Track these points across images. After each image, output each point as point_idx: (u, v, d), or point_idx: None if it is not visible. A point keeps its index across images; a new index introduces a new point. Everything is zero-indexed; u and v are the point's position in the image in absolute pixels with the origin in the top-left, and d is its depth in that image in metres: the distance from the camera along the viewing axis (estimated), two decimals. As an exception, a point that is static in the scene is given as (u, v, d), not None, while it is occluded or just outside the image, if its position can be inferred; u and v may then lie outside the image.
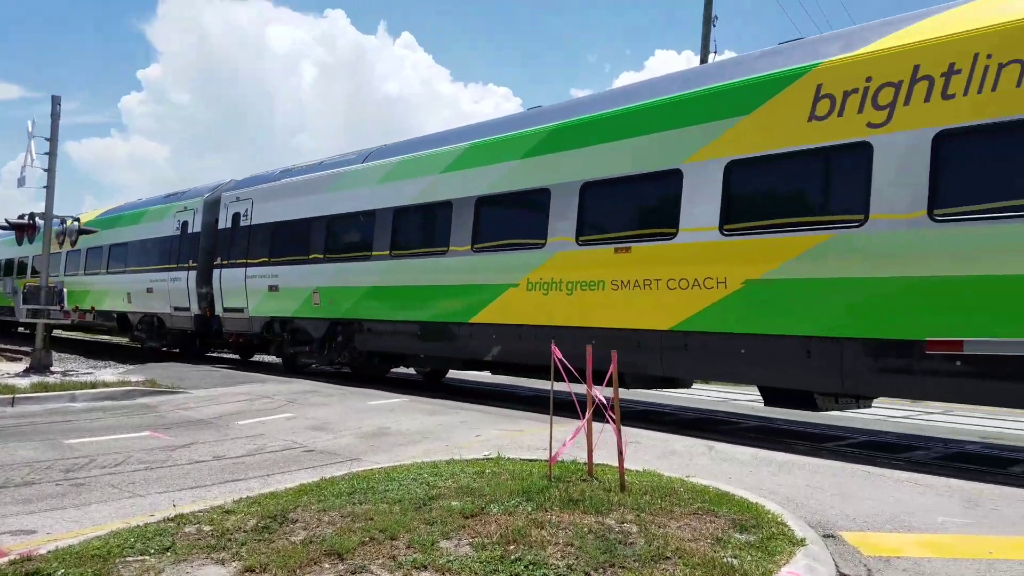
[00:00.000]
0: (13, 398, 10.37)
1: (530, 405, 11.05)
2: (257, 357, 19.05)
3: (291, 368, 15.57)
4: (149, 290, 19.08)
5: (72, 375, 14.00)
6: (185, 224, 18.10)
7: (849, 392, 7.80)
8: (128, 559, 3.80)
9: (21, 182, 15.82)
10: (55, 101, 15.57)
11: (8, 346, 22.55)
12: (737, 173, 8.16)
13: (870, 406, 9.11)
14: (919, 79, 6.94)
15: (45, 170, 15.58)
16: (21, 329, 29.69)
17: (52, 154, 15.53)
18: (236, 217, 16.37)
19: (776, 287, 7.73)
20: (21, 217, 16.67)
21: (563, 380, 5.39)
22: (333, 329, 13.74)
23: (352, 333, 13.28)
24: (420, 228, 12.08)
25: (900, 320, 6.95)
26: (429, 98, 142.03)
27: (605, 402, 5.18)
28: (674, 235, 8.61)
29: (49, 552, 3.91)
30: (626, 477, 5.19)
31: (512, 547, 3.90)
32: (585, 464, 5.58)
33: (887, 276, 7.00)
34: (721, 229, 8.21)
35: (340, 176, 13.89)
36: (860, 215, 7.21)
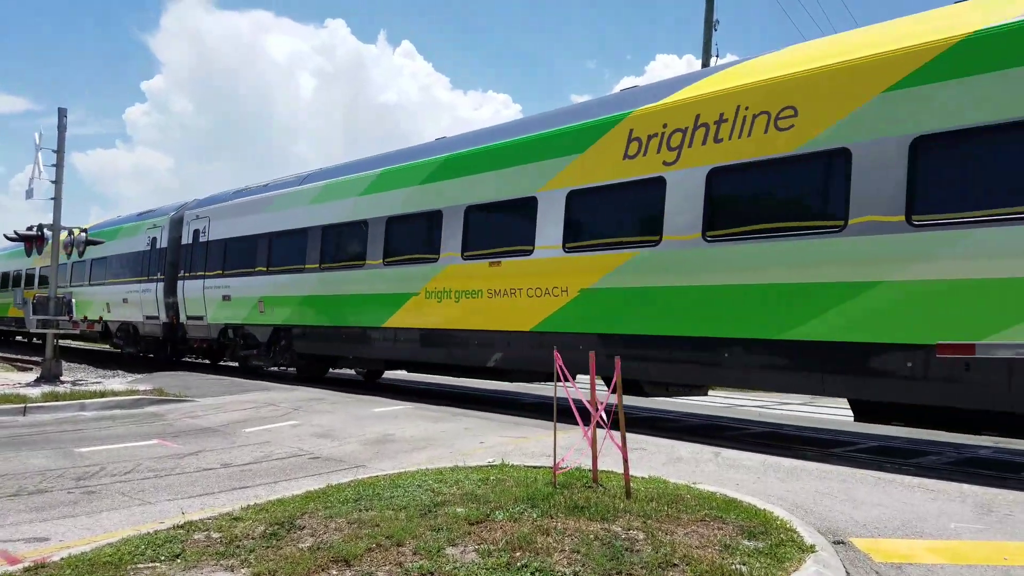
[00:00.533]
0: (25, 407, 10.42)
1: (534, 412, 11.06)
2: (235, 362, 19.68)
3: (245, 370, 17.10)
4: (125, 300, 20.59)
5: (81, 384, 14.07)
6: (154, 240, 19.71)
7: (658, 380, 9.61)
8: (139, 566, 3.83)
9: (29, 194, 15.90)
10: (61, 113, 15.68)
11: (18, 356, 22.67)
12: (574, 201, 9.81)
13: (705, 394, 10.57)
14: (699, 126, 8.58)
15: (52, 182, 15.68)
16: (19, 338, 31.61)
17: (59, 166, 15.63)
18: (196, 233, 17.92)
19: (602, 294, 9.37)
20: (30, 229, 16.79)
21: (564, 387, 5.40)
22: (276, 334, 15.27)
23: (292, 337, 14.85)
24: (343, 244, 13.56)
25: (689, 320, 8.55)
26: (428, 105, 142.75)
27: (605, 418, 5.19)
28: (532, 252, 10.25)
29: (62, 559, 3.95)
30: (632, 484, 5.18)
31: (518, 554, 3.90)
32: (590, 471, 5.58)
33: (677, 285, 8.64)
34: (564, 247, 9.86)
35: (280, 197, 15.48)
36: (657, 236, 8.84)
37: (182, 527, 4.52)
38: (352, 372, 17.14)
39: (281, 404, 11.21)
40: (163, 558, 3.95)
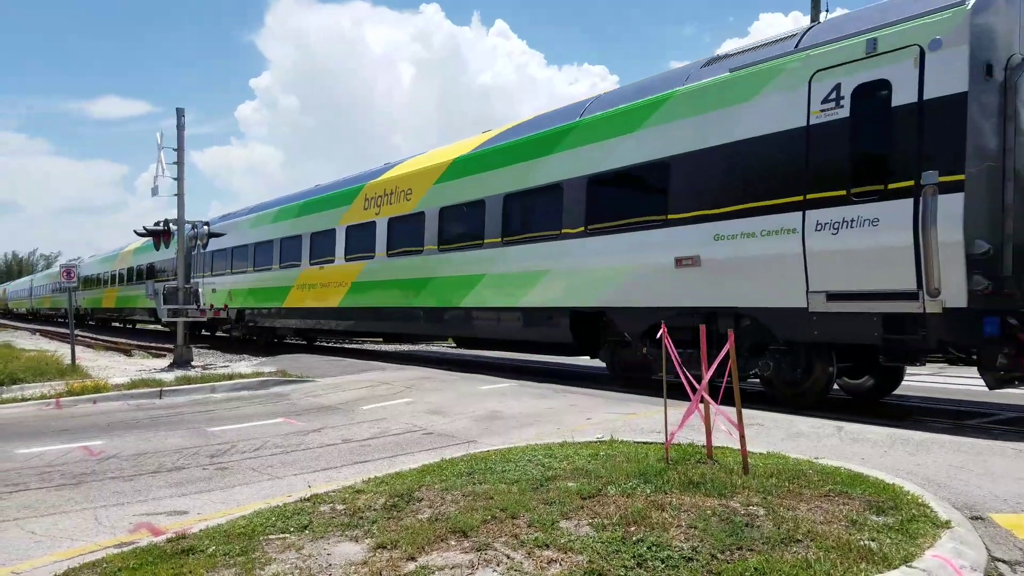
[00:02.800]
0: (161, 391, 11.25)
1: (641, 388, 10.93)
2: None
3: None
4: (154, 293, 27.65)
5: (211, 368, 15.03)
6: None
7: (395, 332, 18.57)
8: (271, 537, 4.05)
9: (155, 191, 17.02)
10: (179, 113, 16.65)
11: (152, 344, 24.50)
12: (349, 231, 17.15)
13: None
14: (386, 194, 15.90)
15: (174, 179, 16.71)
16: (115, 324, 40.70)
17: (180, 163, 16.65)
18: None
19: (359, 284, 16.54)
20: (156, 224, 17.97)
21: (674, 364, 5.28)
22: (240, 314, 22.73)
23: (246, 316, 22.48)
24: (264, 255, 21.12)
25: (387, 298, 15.58)
26: (524, 84, 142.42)
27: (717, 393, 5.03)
28: (334, 260, 17.55)
29: (200, 531, 4.23)
30: (749, 459, 5.03)
31: (633, 528, 3.87)
32: (703, 447, 5.46)
33: (383, 280, 15.73)
34: (345, 258, 17.14)
35: (237, 223, 23.15)
36: (373, 253, 16.08)
37: (309, 500, 4.75)
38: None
39: (394, 383, 11.58)
40: (292, 529, 4.16)
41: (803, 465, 5.17)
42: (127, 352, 22.05)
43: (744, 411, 5.12)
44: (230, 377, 12.51)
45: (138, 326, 38.52)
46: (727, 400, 5.26)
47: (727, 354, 4.99)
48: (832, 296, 8.09)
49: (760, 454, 5.55)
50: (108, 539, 4.41)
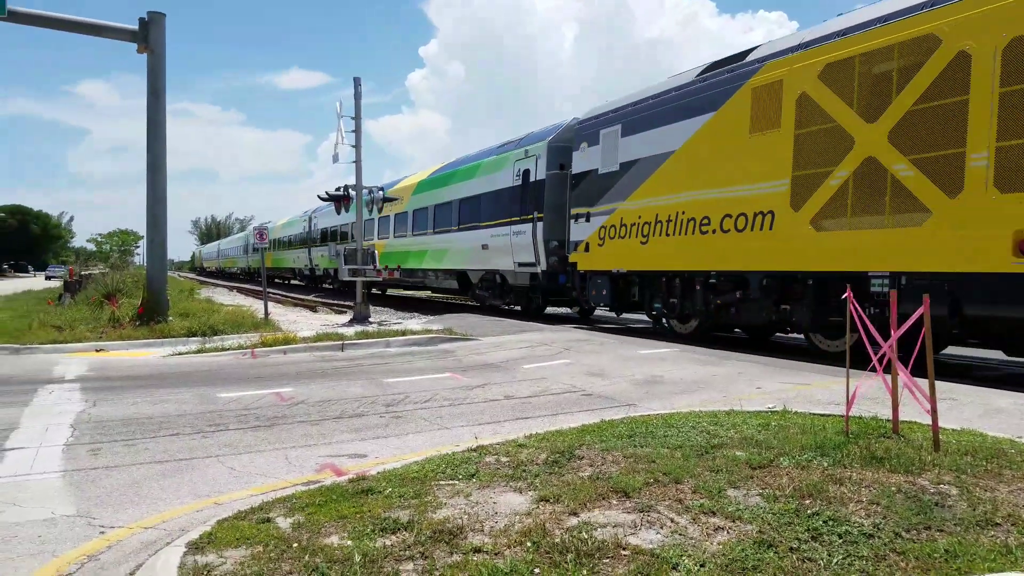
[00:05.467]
0: (343, 344, 12.16)
1: (815, 357, 10.31)
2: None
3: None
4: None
5: (386, 325, 15.99)
6: (305, 223, 39.09)
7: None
8: (441, 482, 4.26)
9: (335, 159, 18.10)
10: (356, 83, 17.51)
11: (336, 301, 26.50)
12: (379, 221, 27.46)
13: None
14: (400, 197, 25.43)
15: (353, 147, 17.71)
16: (277, 280, 49.96)
17: (357, 131, 17.57)
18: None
19: (383, 255, 25.18)
20: (337, 190, 19.21)
21: (859, 331, 4.89)
22: (326, 272, 35.47)
23: (330, 272, 33.25)
24: (389, 227, 27.16)
25: (394, 263, 23.76)
26: (692, 36, 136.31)
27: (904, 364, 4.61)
28: (374, 239, 26.91)
29: (378, 473, 4.53)
30: (940, 435, 4.60)
31: (808, 502, 3.67)
32: (887, 421, 5.05)
33: (390, 252, 26.04)
34: (376, 238, 27.33)
35: (328, 210, 28.61)
36: (389, 235, 26.72)
37: (475, 450, 4.94)
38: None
39: (553, 344, 11.72)
40: (460, 477, 4.35)
41: (1003, 444, 4.66)
42: (312, 308, 24.01)
43: (937, 384, 4.66)
44: (403, 333, 13.26)
45: (291, 282, 48.11)
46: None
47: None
48: (519, 264, 17.44)
49: (952, 430, 5.06)
50: (297, 477, 4.83)
